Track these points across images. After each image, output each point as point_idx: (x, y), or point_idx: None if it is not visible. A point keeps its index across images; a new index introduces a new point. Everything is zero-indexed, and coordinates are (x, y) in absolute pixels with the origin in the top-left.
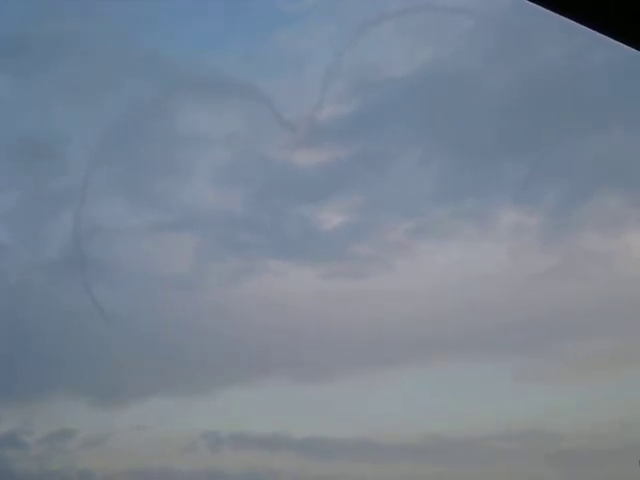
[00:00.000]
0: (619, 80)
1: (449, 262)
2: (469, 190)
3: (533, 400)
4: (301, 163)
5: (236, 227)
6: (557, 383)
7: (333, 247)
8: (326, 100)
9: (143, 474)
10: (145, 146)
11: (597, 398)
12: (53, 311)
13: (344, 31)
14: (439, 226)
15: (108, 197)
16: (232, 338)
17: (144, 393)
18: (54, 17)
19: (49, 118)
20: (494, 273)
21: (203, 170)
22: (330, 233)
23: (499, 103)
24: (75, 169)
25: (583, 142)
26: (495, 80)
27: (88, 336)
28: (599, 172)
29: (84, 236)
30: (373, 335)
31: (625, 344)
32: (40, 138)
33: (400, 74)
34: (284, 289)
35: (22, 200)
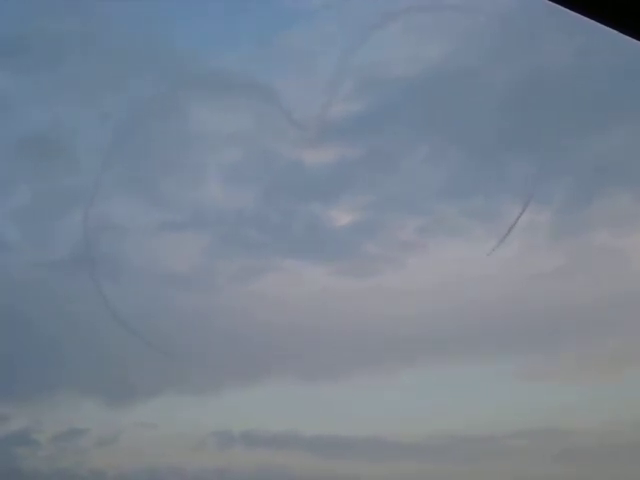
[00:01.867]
0: (623, 78)
1: (457, 260)
2: (477, 188)
3: (539, 399)
4: (310, 162)
5: (245, 226)
6: (563, 382)
7: (343, 245)
8: (335, 99)
9: (153, 472)
10: (154, 144)
11: (604, 397)
12: (62, 310)
13: (351, 30)
14: (447, 224)
15: (117, 196)
16: (241, 337)
17: (153, 392)
18: (58, 16)
19: (56, 116)
20: (501, 272)
21: (212, 169)
22: (340, 231)
23: (505, 101)
24: (84, 167)
25: (589, 140)
26: (501, 78)
27: (97, 335)
28: (606, 170)
29: (93, 235)
30: (381, 333)
31: (631, 343)
32: (48, 136)
33: (407, 72)
34: (294, 288)
35: (31, 199)
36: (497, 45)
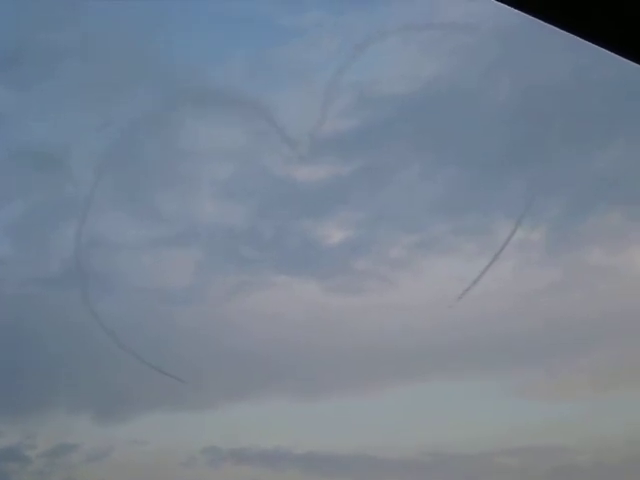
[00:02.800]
0: (620, 96)
1: (450, 277)
2: (471, 205)
3: (533, 415)
4: (303, 178)
5: (238, 241)
6: (557, 398)
7: (335, 262)
8: (328, 115)
9: None
10: (148, 159)
11: (599, 413)
12: (55, 325)
13: (346, 46)
14: (441, 241)
15: (110, 211)
16: (233, 353)
17: (145, 408)
18: (54, 29)
19: (52, 130)
20: (495, 289)
21: (206, 184)
22: (332, 248)
23: (501, 118)
24: (80, 181)
25: (584, 157)
26: (498, 95)
27: (90, 350)
28: (601, 187)
29: (85, 250)
30: (373, 350)
31: (626, 359)
32: (43, 150)
33: (402, 89)
34: (286, 304)
35: (25, 212)
36: (494, 62)
